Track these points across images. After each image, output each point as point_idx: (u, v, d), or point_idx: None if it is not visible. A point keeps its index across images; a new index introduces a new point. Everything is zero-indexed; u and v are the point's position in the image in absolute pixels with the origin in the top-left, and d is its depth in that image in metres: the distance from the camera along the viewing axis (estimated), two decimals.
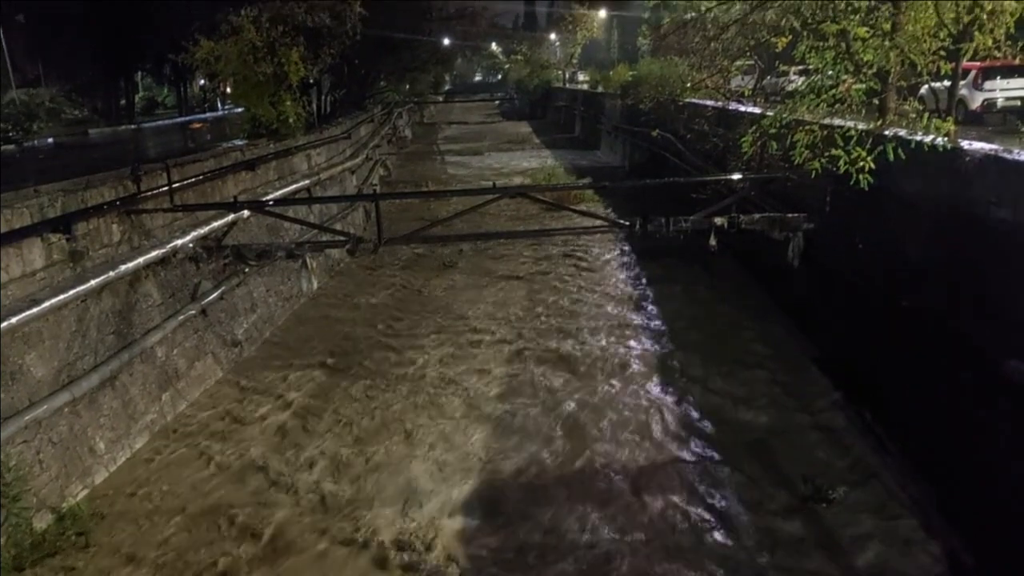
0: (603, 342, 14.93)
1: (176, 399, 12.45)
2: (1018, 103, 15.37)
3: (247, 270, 15.18)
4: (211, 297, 14.03)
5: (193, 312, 13.40)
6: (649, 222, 13.61)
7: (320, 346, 15.30)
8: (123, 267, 11.59)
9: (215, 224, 14.41)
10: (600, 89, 51.34)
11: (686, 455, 10.70)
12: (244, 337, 15.05)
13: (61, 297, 10.12)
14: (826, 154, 11.51)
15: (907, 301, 10.51)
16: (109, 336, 11.24)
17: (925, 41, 11.18)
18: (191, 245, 13.50)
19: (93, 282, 10.84)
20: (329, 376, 13.79)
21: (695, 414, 11.83)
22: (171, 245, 12.95)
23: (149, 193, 12.74)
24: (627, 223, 13.95)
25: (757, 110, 18.56)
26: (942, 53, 11.11)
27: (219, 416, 12.32)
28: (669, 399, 12.36)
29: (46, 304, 9.82)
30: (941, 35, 11.23)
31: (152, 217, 12.91)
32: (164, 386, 12.24)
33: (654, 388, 12.80)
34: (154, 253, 12.49)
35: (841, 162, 11.12)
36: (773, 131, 12.93)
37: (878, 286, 11.61)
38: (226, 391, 13.31)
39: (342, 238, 14.66)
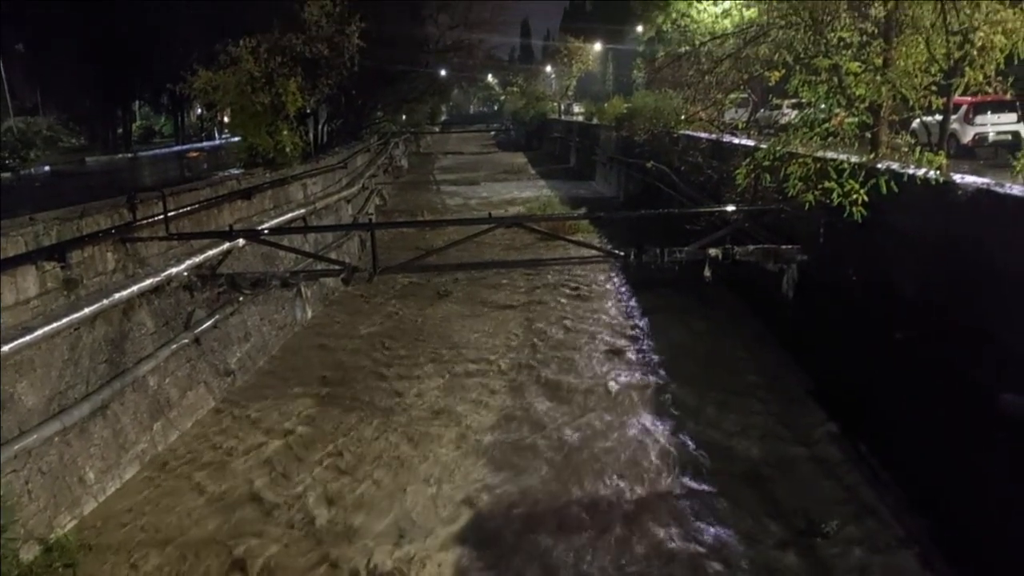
0: (598, 372, 14.90)
1: (168, 429, 12.35)
2: (1009, 137, 15.54)
3: (241, 299, 15.16)
4: (205, 326, 13.98)
5: (186, 341, 13.35)
6: (644, 253, 13.65)
7: (314, 375, 15.23)
8: (117, 295, 11.56)
9: (210, 252, 14.40)
10: (595, 121, 51.76)
11: (680, 487, 10.63)
12: (237, 366, 14.98)
13: (54, 325, 10.08)
14: (819, 186, 11.59)
15: (902, 334, 10.52)
16: (101, 365, 11.18)
17: (916, 76, 11.34)
18: (186, 273, 13.48)
19: (87, 310, 10.80)
20: (322, 406, 13.71)
21: (690, 445, 11.77)
22: (166, 273, 12.93)
23: (145, 221, 12.74)
24: (622, 253, 13.99)
25: (751, 143, 18.73)
26: (933, 88, 11.25)
27: (211, 446, 12.22)
28: (663, 430, 12.30)
29: (39, 332, 9.78)
30: (932, 70, 11.38)
31: (147, 245, 12.90)
32: (155, 415, 12.15)
33: (648, 419, 12.75)
34: (148, 281, 12.46)
35: (834, 194, 11.21)
36: (767, 163, 13.01)
37: (873, 318, 11.63)
38: (218, 421, 13.21)
39: (337, 267, 14.66)
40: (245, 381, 14.99)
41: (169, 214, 13.15)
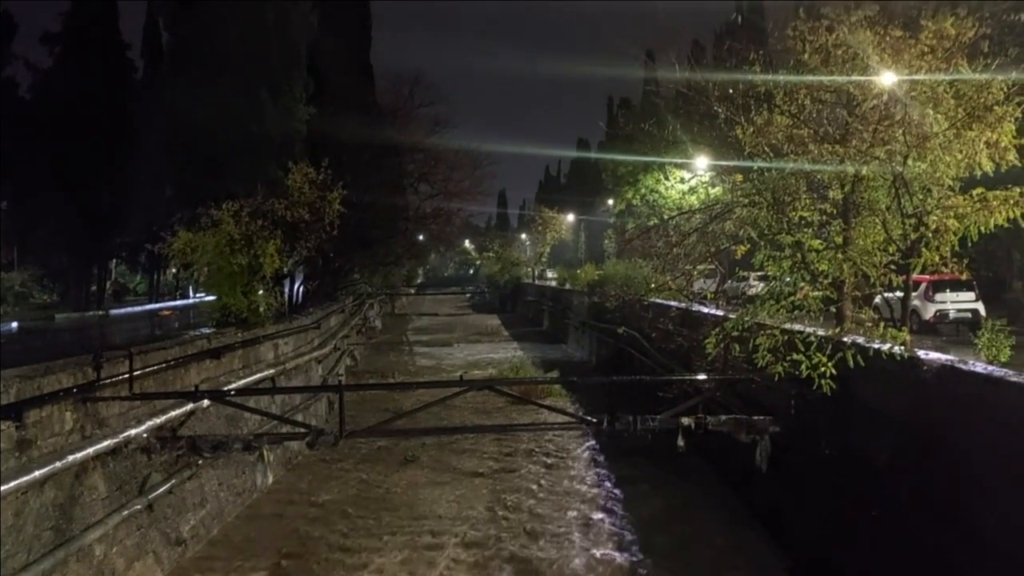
0: (568, 547, 14.32)
1: None
2: (969, 315, 16.02)
3: (200, 462, 14.63)
4: (160, 491, 13.37)
5: (139, 507, 12.71)
6: (617, 420, 13.55)
7: (270, 547, 14.47)
8: (71, 457, 11.08)
9: (172, 413, 14.02)
10: (568, 286, 52.91)
11: None
12: (190, 535, 14.23)
13: (1, 490, 9.58)
14: (788, 358, 11.74)
15: (877, 511, 10.32)
16: (47, 532, 10.54)
17: (875, 255, 11.82)
18: (145, 435, 13.05)
19: (37, 473, 10.30)
20: None
21: None
22: (124, 435, 12.50)
23: (108, 380, 12.46)
24: (595, 420, 13.87)
25: (720, 312, 19.12)
26: (892, 267, 11.68)
27: None
28: None
29: None
30: (891, 249, 11.87)
31: (108, 405, 12.55)
32: None
33: None
34: (105, 443, 12.01)
35: (803, 367, 11.34)
36: (736, 333, 13.24)
37: (848, 494, 11.43)
38: None
39: (302, 430, 14.34)
40: (197, 552, 14.18)
41: (135, 373, 12.91)
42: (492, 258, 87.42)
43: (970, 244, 11.44)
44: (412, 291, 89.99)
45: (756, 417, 13.87)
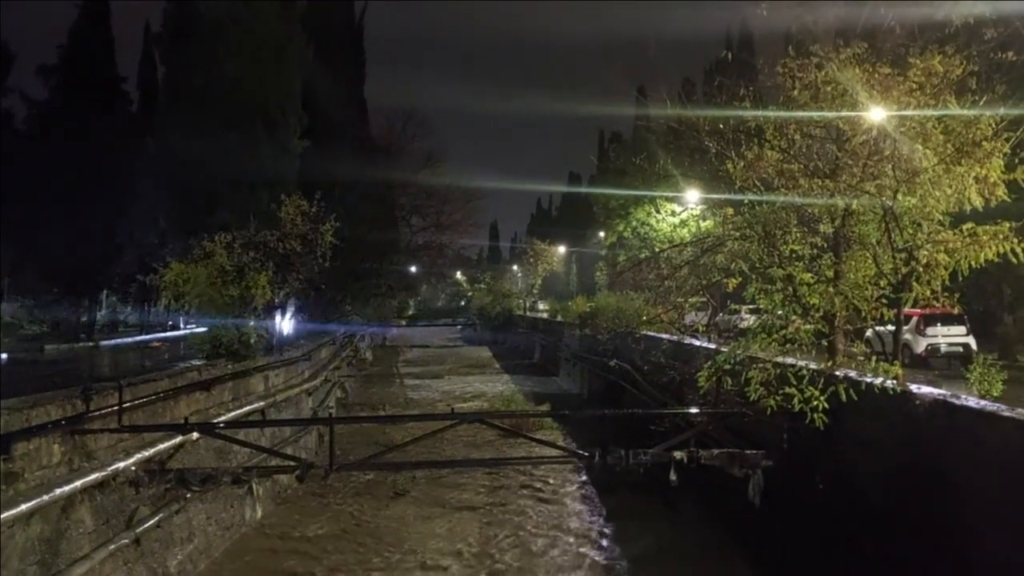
0: None
1: None
2: (960, 349, 16.08)
3: (189, 495, 14.45)
4: (147, 524, 13.17)
5: (126, 541, 12.51)
6: (608, 453, 13.48)
7: None
8: (58, 491, 10.92)
9: (161, 446, 13.87)
10: (559, 318, 52.88)
11: None
12: (176, 571, 14.00)
13: None
14: (780, 392, 11.73)
15: (872, 547, 10.26)
16: (32, 566, 10.35)
17: (866, 288, 11.87)
18: (133, 468, 12.90)
19: (23, 507, 10.14)
20: None
21: None
22: (112, 468, 12.34)
23: (97, 412, 12.33)
24: (586, 454, 13.80)
25: (712, 345, 19.12)
26: (884, 300, 11.73)
27: None
28: None
29: None
30: (882, 283, 11.94)
31: (97, 437, 12.41)
32: None
33: None
34: (93, 476, 11.85)
35: (795, 400, 11.33)
36: (728, 367, 13.24)
37: (843, 529, 11.36)
38: None
39: (292, 463, 14.21)
40: None
41: (124, 405, 12.79)
42: (484, 290, 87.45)
43: (960, 278, 11.52)
44: (403, 323, 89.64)
45: (749, 451, 13.82)
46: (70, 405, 11.75)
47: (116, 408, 12.64)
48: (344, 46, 44.62)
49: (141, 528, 12.99)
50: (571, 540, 16.64)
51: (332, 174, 33.56)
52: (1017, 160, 11.43)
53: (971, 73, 11.59)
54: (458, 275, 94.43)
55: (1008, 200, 11.51)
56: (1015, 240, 11.08)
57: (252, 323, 20.52)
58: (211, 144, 28.30)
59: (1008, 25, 10.04)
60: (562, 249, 74.84)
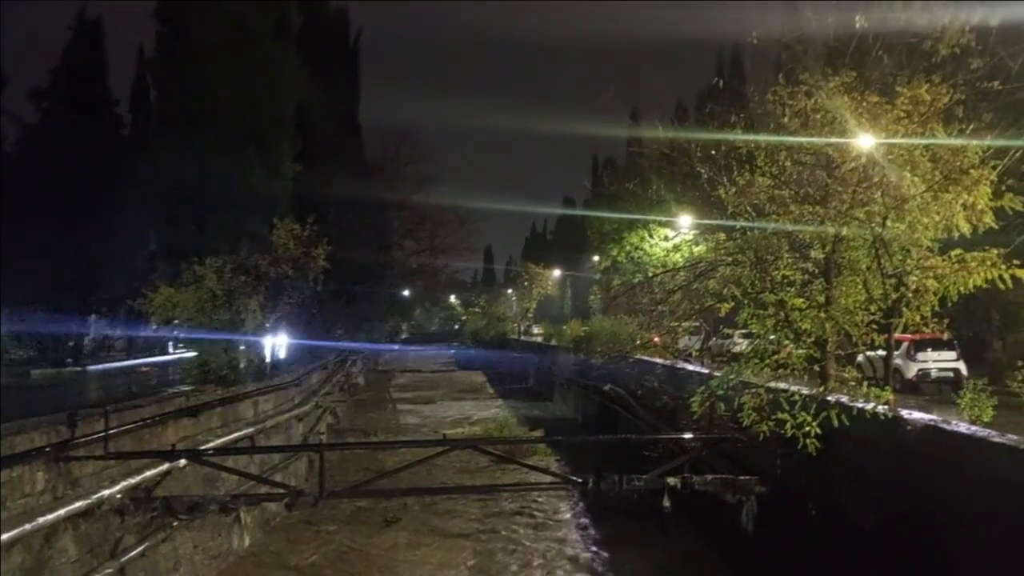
0: None
1: None
2: (951, 375, 16.08)
3: (175, 524, 14.26)
4: (132, 554, 12.96)
5: (110, 571, 12.29)
6: (602, 479, 13.39)
7: None
8: (41, 519, 10.75)
9: (148, 473, 13.70)
10: (554, 342, 52.76)
11: None
12: None
13: None
14: (773, 417, 11.69)
15: (864, 574, 10.17)
16: None
17: (857, 314, 11.88)
18: (119, 496, 12.72)
19: (5, 536, 9.97)
20: None
21: None
22: (97, 496, 12.17)
23: (83, 439, 12.20)
24: (580, 480, 13.71)
25: (705, 370, 19.08)
26: (874, 326, 11.74)
27: None
28: None
29: None
30: (872, 309, 11.95)
31: (82, 464, 12.26)
32: None
33: None
34: (77, 504, 11.67)
35: (788, 426, 11.28)
36: (721, 392, 13.20)
37: (836, 556, 11.26)
38: None
39: (281, 490, 14.06)
40: None
41: (110, 431, 12.64)
42: (478, 313, 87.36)
43: (950, 304, 11.53)
44: (396, 347, 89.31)
45: (742, 477, 13.74)
46: (55, 431, 11.62)
47: (102, 434, 12.50)
48: (339, 68, 44.82)
49: (126, 557, 12.78)
50: (566, 567, 16.47)
51: (325, 197, 33.59)
52: (1004, 187, 11.50)
53: (958, 102, 11.68)
54: (452, 299, 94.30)
55: (996, 227, 11.57)
56: (1003, 267, 11.13)
57: (243, 348, 20.40)
58: (203, 167, 28.27)
59: (994, 55, 10.14)
60: (557, 273, 74.84)
